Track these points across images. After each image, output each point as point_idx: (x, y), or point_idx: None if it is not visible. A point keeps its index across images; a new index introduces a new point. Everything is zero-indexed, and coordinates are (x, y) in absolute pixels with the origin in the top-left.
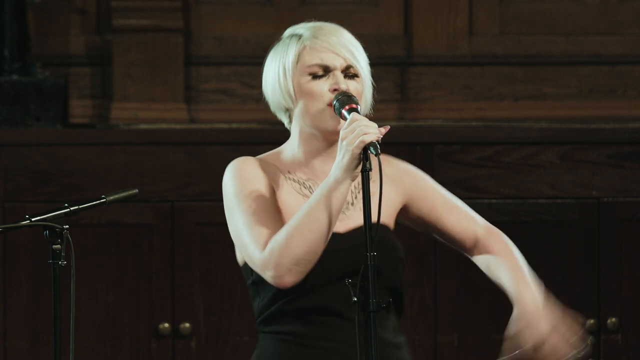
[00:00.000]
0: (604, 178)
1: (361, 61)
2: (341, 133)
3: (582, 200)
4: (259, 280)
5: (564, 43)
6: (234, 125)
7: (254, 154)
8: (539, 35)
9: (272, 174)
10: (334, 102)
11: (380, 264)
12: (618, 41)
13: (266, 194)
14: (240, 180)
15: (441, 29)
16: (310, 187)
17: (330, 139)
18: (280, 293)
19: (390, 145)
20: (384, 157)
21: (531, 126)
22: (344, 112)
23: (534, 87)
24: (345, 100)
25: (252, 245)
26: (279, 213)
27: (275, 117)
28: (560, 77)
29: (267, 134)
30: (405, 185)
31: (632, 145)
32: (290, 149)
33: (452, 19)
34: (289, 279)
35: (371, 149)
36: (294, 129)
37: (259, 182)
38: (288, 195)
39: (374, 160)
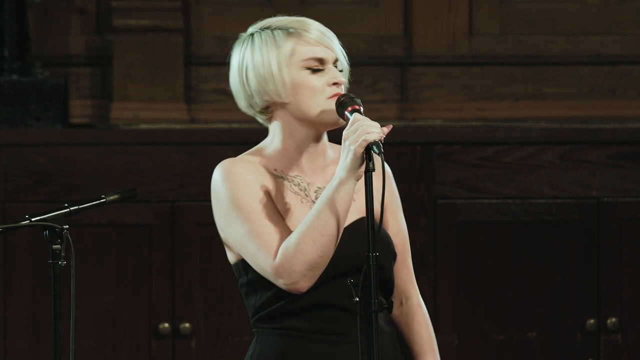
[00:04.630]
0: (604, 178)
1: (342, 53)
2: (344, 133)
3: (582, 200)
4: (255, 279)
5: (564, 43)
6: (234, 125)
7: None
8: (539, 35)
9: (262, 174)
10: (337, 104)
11: (382, 261)
12: (618, 41)
13: (264, 197)
14: (234, 185)
15: (441, 29)
16: (299, 184)
17: (320, 132)
18: (282, 292)
19: (390, 146)
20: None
21: (531, 126)
22: (346, 113)
23: (534, 87)
24: (348, 102)
25: (261, 254)
26: (280, 215)
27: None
28: (560, 77)
29: (267, 134)
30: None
31: (632, 145)
32: (272, 145)
33: (452, 19)
34: (304, 284)
35: (374, 148)
36: (276, 124)
37: (254, 186)
38: (283, 195)
39: (377, 162)
